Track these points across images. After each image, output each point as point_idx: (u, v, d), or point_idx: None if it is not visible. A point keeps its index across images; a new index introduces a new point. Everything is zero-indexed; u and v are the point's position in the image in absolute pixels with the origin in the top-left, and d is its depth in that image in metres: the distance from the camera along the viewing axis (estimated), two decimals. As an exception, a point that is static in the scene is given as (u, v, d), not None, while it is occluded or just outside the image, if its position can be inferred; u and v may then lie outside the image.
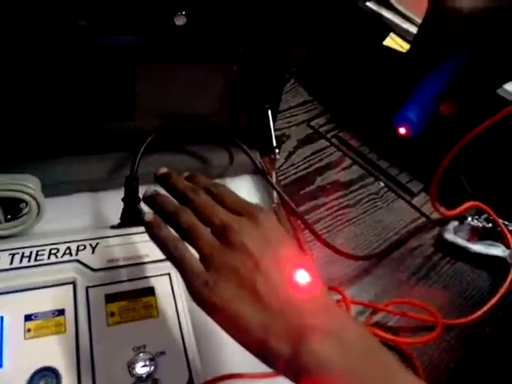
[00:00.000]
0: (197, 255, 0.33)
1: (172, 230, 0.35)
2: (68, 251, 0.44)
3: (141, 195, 0.49)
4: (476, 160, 0.65)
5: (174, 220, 0.35)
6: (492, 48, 0.44)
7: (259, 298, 0.30)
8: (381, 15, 0.72)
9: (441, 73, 0.44)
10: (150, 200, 0.38)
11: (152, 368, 0.39)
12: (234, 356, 0.43)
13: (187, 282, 0.32)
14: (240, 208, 0.36)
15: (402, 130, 0.43)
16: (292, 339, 0.29)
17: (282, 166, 0.70)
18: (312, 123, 0.78)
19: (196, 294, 0.32)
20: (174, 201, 0.37)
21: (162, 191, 0.39)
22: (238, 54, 0.49)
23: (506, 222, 0.63)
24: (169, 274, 0.45)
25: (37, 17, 0.40)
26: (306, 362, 0.28)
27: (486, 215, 0.64)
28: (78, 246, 0.45)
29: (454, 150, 0.44)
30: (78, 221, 0.51)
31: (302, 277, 0.32)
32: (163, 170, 0.40)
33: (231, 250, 0.33)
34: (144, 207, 0.49)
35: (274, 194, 0.57)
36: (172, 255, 0.34)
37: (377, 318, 0.55)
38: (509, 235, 0.62)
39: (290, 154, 0.73)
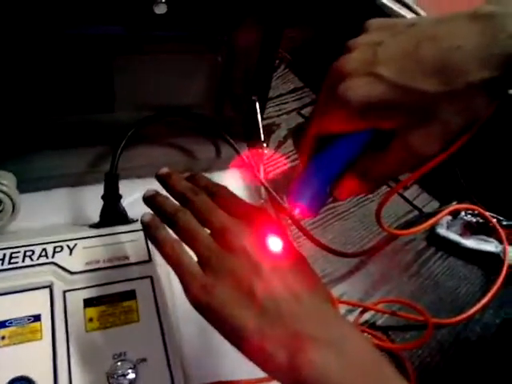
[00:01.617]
0: (195, 257, 0.33)
1: (171, 232, 0.35)
2: (44, 253, 0.42)
3: (121, 192, 0.47)
4: (472, 154, 0.63)
5: (172, 221, 0.34)
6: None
7: (257, 302, 0.30)
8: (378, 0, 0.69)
9: (336, 151, 0.36)
10: (150, 200, 0.37)
11: (133, 376, 0.37)
12: (219, 362, 0.41)
13: (184, 285, 0.32)
14: (240, 210, 0.35)
15: (297, 211, 0.39)
16: (289, 346, 0.28)
17: (271, 156, 0.68)
18: (303, 112, 0.76)
19: (193, 296, 0.31)
20: (175, 202, 0.36)
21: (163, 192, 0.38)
22: (223, 43, 0.47)
23: (500, 218, 0.62)
24: (150, 277, 0.43)
25: (11, 7, 0.38)
26: (305, 375, 0.27)
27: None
28: (54, 248, 0.43)
29: (443, 153, 0.40)
30: (56, 218, 0.49)
31: (302, 282, 0.31)
32: (164, 169, 0.39)
33: (230, 253, 0.32)
34: (127, 207, 0.47)
35: (262, 189, 0.55)
36: (170, 257, 0.33)
37: (366, 316, 0.54)
38: (501, 231, 0.61)
39: (280, 144, 0.71)
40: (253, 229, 0.34)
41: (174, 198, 0.37)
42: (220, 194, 0.37)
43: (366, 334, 0.51)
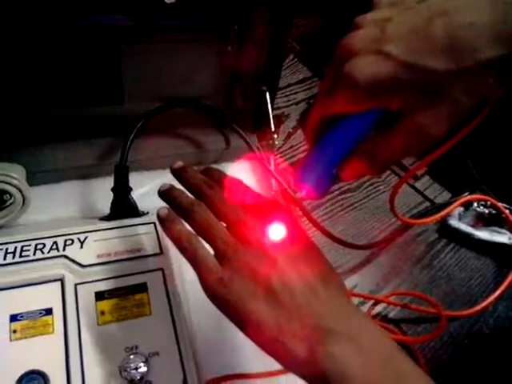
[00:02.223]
0: (212, 251, 0.33)
1: (187, 225, 0.35)
2: (55, 246, 0.42)
3: (131, 184, 0.47)
4: (483, 145, 0.62)
5: (188, 214, 0.34)
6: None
7: (274, 296, 0.30)
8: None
9: (343, 132, 0.35)
10: (165, 194, 0.37)
11: (145, 370, 0.37)
12: (232, 355, 0.41)
13: (201, 278, 0.32)
14: (255, 203, 0.35)
15: (303, 193, 0.38)
16: (308, 340, 0.28)
17: (281, 147, 0.67)
18: (312, 101, 0.75)
19: (210, 289, 0.31)
20: (190, 196, 0.36)
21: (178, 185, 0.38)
22: (233, 33, 0.46)
23: (513, 208, 0.61)
24: (162, 269, 0.43)
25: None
26: (325, 368, 0.27)
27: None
28: (65, 241, 0.42)
29: (453, 139, 0.39)
30: (66, 210, 0.49)
31: (320, 276, 0.31)
32: (179, 163, 0.39)
33: (246, 246, 0.32)
34: (137, 199, 0.47)
35: (273, 180, 0.54)
36: (186, 250, 0.33)
37: (378, 309, 0.53)
38: (515, 221, 0.60)
39: (290, 134, 0.70)
40: (268, 222, 0.33)
41: (189, 191, 0.37)
42: (235, 188, 0.37)
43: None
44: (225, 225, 0.34)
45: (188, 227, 0.34)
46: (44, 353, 0.37)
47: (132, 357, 0.38)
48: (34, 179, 0.47)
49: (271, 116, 0.53)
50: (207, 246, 0.33)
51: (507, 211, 0.61)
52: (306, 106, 0.74)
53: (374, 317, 0.52)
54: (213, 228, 0.33)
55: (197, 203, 0.35)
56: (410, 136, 0.32)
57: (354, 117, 0.34)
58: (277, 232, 0.33)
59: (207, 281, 0.31)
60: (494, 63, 0.28)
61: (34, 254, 0.41)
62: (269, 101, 0.52)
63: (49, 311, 0.39)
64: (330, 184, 0.38)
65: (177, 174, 0.38)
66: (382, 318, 0.53)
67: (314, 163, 0.37)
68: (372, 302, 0.53)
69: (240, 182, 0.38)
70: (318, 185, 0.37)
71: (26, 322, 0.38)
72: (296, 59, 0.81)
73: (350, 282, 0.55)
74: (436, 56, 0.29)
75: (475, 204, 0.62)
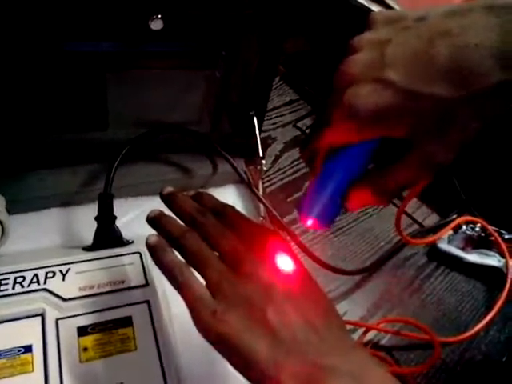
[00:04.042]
0: (203, 282, 0.31)
1: (178, 255, 0.33)
2: (35, 279, 0.40)
3: (115, 212, 0.45)
4: (471, 166, 0.63)
5: (180, 243, 0.33)
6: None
7: (271, 331, 0.28)
8: (371, 10, 0.68)
9: (346, 162, 0.35)
10: (155, 221, 0.35)
11: (130, 409, 0.36)
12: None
13: (193, 311, 0.30)
14: (250, 232, 0.34)
15: (309, 223, 0.37)
16: (307, 378, 0.27)
17: (268, 171, 0.66)
18: (299, 124, 0.74)
19: (202, 323, 0.29)
20: (181, 223, 0.35)
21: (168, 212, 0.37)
22: (221, 58, 0.45)
23: (502, 231, 0.61)
24: (147, 302, 0.41)
25: (4, 22, 0.36)
26: None
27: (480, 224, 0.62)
28: (46, 273, 0.41)
29: None
30: (48, 240, 0.47)
31: (319, 312, 0.30)
32: (169, 189, 0.37)
33: (241, 279, 0.31)
34: (122, 227, 0.45)
35: (261, 206, 0.53)
36: (177, 281, 0.32)
37: (369, 336, 0.52)
38: (503, 244, 0.60)
39: (277, 157, 0.69)
40: (264, 252, 0.32)
41: (179, 218, 0.35)
42: (228, 215, 0.35)
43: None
44: (218, 254, 0.33)
45: (179, 257, 0.33)
46: (23, 393, 0.35)
47: (117, 396, 0.36)
48: (14, 207, 0.45)
49: (259, 141, 0.53)
50: (199, 276, 0.32)
51: (496, 234, 0.61)
52: (293, 129, 0.74)
53: (366, 344, 0.51)
54: (206, 257, 0.32)
55: (188, 231, 0.33)
56: (417, 165, 0.31)
57: (357, 145, 0.33)
58: (273, 263, 0.32)
59: (199, 314, 0.30)
60: (501, 87, 0.26)
61: (14, 288, 0.40)
62: (257, 126, 0.52)
63: (28, 348, 0.37)
64: (336, 214, 0.37)
65: (167, 199, 0.37)
66: (374, 346, 0.51)
67: (318, 194, 0.36)
68: (363, 329, 0.52)
69: (233, 209, 0.36)
70: (324, 215, 0.36)
71: (4, 361, 0.36)
72: (282, 82, 0.81)
73: (340, 309, 0.53)
74: (440, 82, 0.27)
75: (464, 227, 0.62)
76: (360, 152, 0.34)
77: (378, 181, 0.33)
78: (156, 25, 0.38)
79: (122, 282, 0.42)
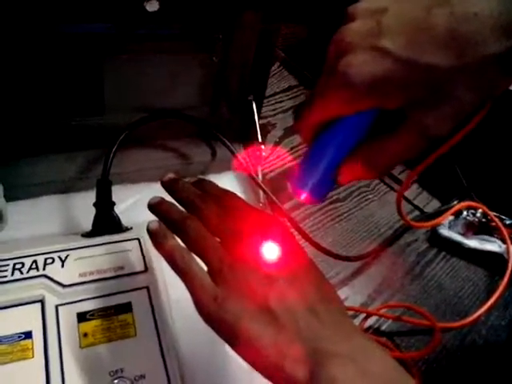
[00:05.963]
0: (205, 267, 0.31)
1: (179, 240, 0.33)
2: (34, 265, 0.40)
3: (114, 198, 0.45)
4: (472, 152, 0.62)
5: (181, 229, 0.33)
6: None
7: (274, 318, 0.28)
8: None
9: (340, 134, 0.34)
10: (156, 207, 0.35)
11: (131, 394, 0.36)
12: (222, 377, 0.39)
13: (194, 297, 0.30)
14: (251, 217, 0.34)
15: (302, 197, 0.36)
16: (309, 363, 0.27)
17: (267, 157, 0.66)
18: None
19: (204, 309, 0.30)
20: (182, 209, 0.35)
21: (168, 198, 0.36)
22: (218, 42, 0.45)
23: (503, 216, 0.61)
24: (147, 288, 0.41)
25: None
26: None
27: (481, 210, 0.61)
28: (45, 260, 0.41)
29: (444, 145, 0.37)
30: (47, 227, 0.47)
31: (321, 297, 0.30)
32: (170, 175, 0.37)
33: (242, 264, 0.31)
34: (121, 214, 0.45)
35: (260, 192, 0.53)
36: (179, 267, 0.31)
37: (370, 322, 0.52)
38: (504, 230, 0.60)
39: (276, 144, 0.69)
40: (265, 237, 0.32)
41: (180, 205, 0.35)
42: (229, 201, 0.35)
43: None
44: (219, 240, 0.32)
45: (180, 243, 0.33)
46: (23, 379, 0.35)
47: (117, 381, 0.36)
48: (11, 194, 0.45)
49: (258, 126, 0.52)
50: (200, 261, 0.32)
51: (497, 219, 0.60)
52: (293, 116, 0.73)
53: (367, 330, 0.51)
54: (207, 243, 0.32)
55: (190, 217, 0.33)
56: (411, 137, 0.30)
57: (351, 117, 0.32)
58: (274, 249, 0.32)
59: (201, 300, 0.30)
60: (499, 57, 0.26)
61: (13, 275, 0.39)
62: (255, 111, 0.51)
63: (28, 335, 0.37)
64: (329, 188, 0.36)
65: (168, 186, 0.36)
66: (375, 331, 0.52)
67: (311, 167, 0.35)
68: (364, 315, 0.52)
69: (234, 195, 0.36)
70: (317, 189, 0.36)
71: (4, 347, 0.36)
72: (282, 67, 0.80)
73: (340, 295, 0.52)
74: (437, 51, 0.27)
75: (465, 212, 0.61)
76: (354, 125, 0.33)
77: (370, 153, 0.32)
78: (152, 6, 0.37)
79: (122, 268, 0.42)
